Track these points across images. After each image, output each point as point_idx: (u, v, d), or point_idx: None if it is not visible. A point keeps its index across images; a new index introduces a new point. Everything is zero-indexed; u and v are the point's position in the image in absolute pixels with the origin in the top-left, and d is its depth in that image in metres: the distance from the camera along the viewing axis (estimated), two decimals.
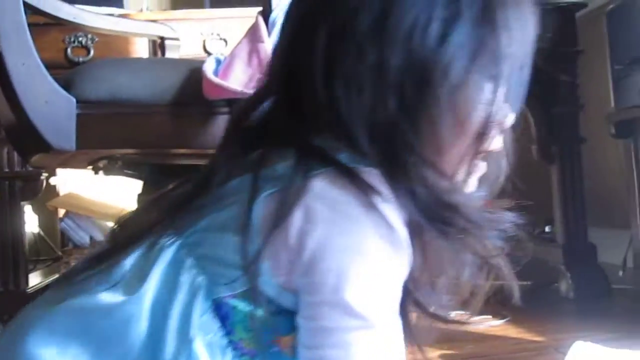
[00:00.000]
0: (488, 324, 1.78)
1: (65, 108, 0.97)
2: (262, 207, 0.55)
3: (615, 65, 1.90)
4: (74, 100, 0.98)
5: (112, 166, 1.18)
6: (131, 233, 0.63)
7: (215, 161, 0.64)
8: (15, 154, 1.90)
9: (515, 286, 0.64)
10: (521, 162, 2.33)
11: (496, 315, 1.81)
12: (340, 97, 0.57)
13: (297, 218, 0.53)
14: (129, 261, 0.59)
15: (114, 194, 2.19)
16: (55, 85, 0.97)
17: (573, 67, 2.11)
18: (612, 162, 2.20)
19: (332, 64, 0.58)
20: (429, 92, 0.56)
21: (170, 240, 0.59)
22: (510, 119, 0.64)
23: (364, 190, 0.53)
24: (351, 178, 0.54)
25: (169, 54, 1.61)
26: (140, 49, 1.97)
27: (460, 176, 0.61)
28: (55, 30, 1.89)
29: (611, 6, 1.98)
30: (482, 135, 0.59)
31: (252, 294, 0.56)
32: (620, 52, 1.90)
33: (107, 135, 1.01)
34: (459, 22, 0.57)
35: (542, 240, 2.28)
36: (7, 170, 1.95)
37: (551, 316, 1.90)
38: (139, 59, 1.61)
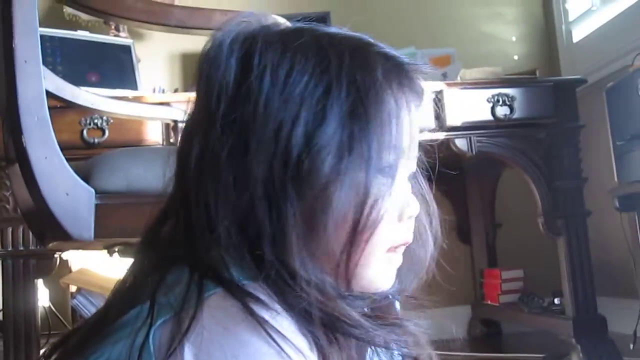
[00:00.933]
0: None
1: (85, 199, 1.00)
2: (158, 337, 0.52)
3: (617, 141, 1.94)
4: (93, 191, 1.02)
5: (127, 250, 1.21)
6: None
7: (119, 287, 0.63)
8: (30, 232, 1.94)
9: None
10: (529, 235, 2.35)
11: None
12: (215, 210, 0.56)
13: (188, 349, 0.50)
14: None
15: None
16: (76, 177, 1.00)
17: (575, 141, 2.17)
18: (617, 234, 2.22)
19: (204, 177, 0.58)
20: (299, 196, 0.56)
21: None
22: (413, 208, 0.63)
23: (251, 307, 0.51)
24: (239, 297, 0.52)
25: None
26: (154, 130, 2.02)
27: (352, 274, 0.59)
28: (72, 112, 1.94)
29: (610, 83, 2.03)
30: (366, 230, 0.58)
31: None
32: (620, 128, 1.94)
33: (123, 224, 1.04)
34: (326, 123, 0.57)
35: (551, 313, 2.28)
36: (22, 248, 1.99)
37: None
38: (152, 148, 1.65)
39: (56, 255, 2.02)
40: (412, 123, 0.63)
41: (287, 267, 0.55)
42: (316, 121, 0.57)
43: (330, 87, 0.58)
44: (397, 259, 0.64)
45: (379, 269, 0.62)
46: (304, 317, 0.54)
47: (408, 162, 0.64)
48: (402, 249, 0.64)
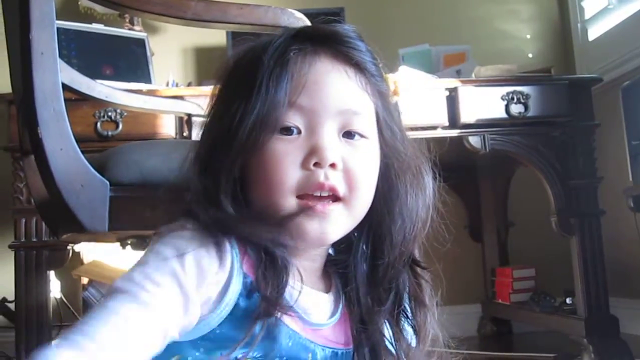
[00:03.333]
0: None
1: (100, 191, 1.00)
2: None
3: (632, 141, 1.92)
4: (108, 183, 1.02)
5: (140, 243, 1.21)
6: None
7: None
8: (43, 223, 1.95)
9: None
10: (541, 234, 2.33)
11: None
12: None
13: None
14: None
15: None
16: (91, 169, 1.01)
17: (590, 140, 2.15)
18: (631, 234, 2.20)
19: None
20: (229, 152, 0.70)
21: None
22: (320, 156, 0.69)
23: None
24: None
25: (195, 130, 1.67)
26: (167, 124, 2.03)
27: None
28: (86, 105, 1.95)
29: (626, 82, 2.01)
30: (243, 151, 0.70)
31: None
32: (636, 127, 1.93)
33: (137, 217, 1.04)
34: (243, 101, 0.70)
35: (563, 313, 2.27)
36: (35, 239, 2.00)
37: None
38: (167, 141, 1.65)
39: (68, 247, 2.03)
40: (319, 83, 0.71)
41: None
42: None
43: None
44: (321, 213, 0.69)
45: (298, 217, 0.69)
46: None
47: (322, 118, 0.70)
48: (324, 204, 0.70)
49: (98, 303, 0.62)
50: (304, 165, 0.69)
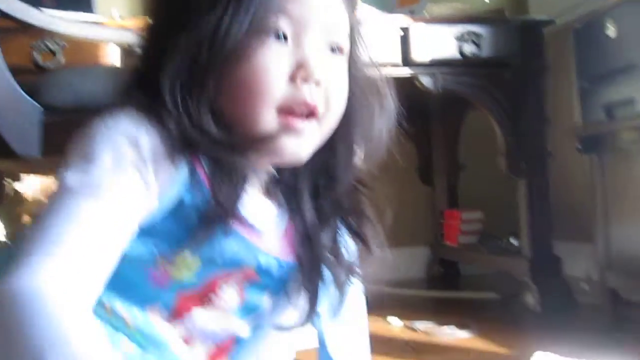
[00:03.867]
0: (453, 335, 1.79)
1: (30, 115, 0.96)
2: None
3: (582, 82, 1.93)
4: (39, 107, 0.97)
5: None
6: None
7: None
8: None
9: None
10: (491, 177, 2.33)
11: (461, 326, 1.83)
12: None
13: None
14: None
15: None
16: (20, 91, 0.96)
17: (540, 82, 2.15)
18: (577, 176, 2.23)
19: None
20: (216, 58, 0.65)
21: None
22: (308, 72, 0.67)
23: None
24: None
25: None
26: (111, 56, 1.95)
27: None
28: (22, 35, 1.86)
29: (577, 25, 2.01)
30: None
31: None
32: (585, 69, 1.93)
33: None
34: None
35: (507, 253, 2.31)
36: None
37: (516, 329, 1.92)
38: (103, 67, 1.59)
39: (6, 182, 1.96)
40: None
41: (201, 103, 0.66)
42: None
43: None
44: (299, 130, 0.68)
45: (276, 134, 0.67)
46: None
47: (310, 29, 0.68)
48: (302, 121, 0.68)
49: (53, 202, 0.58)
50: (292, 78, 0.67)
